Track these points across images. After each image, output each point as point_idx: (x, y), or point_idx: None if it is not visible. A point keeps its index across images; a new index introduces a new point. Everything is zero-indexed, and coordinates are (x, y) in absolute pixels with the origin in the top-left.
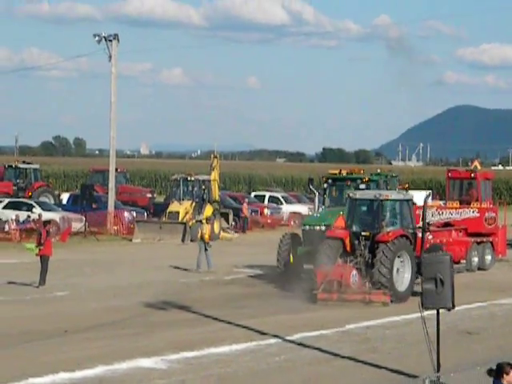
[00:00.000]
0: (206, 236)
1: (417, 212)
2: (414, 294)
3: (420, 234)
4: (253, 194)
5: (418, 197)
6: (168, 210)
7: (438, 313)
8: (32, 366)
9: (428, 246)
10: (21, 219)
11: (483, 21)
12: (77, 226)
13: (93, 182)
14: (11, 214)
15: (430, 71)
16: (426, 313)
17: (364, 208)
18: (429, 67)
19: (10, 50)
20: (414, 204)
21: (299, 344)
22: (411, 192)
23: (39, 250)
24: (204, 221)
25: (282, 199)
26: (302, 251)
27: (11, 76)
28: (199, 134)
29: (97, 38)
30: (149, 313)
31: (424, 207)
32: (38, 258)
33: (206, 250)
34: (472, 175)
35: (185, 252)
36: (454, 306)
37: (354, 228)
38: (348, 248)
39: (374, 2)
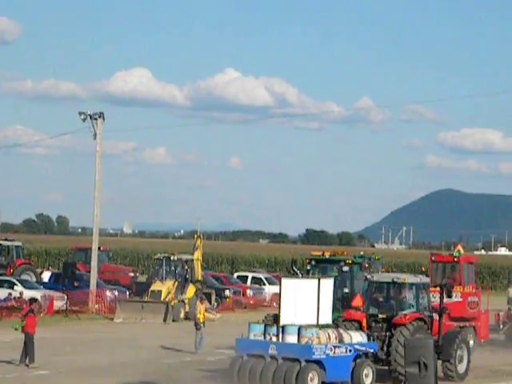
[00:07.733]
0: (200, 316)
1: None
2: None
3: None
4: (235, 274)
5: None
6: (150, 289)
7: None
8: None
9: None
10: (2, 297)
11: (464, 106)
12: (58, 304)
13: (75, 260)
14: None
15: (412, 155)
16: None
17: None
18: (411, 151)
19: None
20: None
21: None
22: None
23: (22, 327)
24: (198, 302)
25: (264, 280)
26: None
27: None
28: (182, 213)
29: (82, 116)
30: None
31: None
32: (23, 336)
33: (197, 329)
34: (455, 259)
35: (167, 332)
36: None
37: None
38: None
39: (356, 84)
